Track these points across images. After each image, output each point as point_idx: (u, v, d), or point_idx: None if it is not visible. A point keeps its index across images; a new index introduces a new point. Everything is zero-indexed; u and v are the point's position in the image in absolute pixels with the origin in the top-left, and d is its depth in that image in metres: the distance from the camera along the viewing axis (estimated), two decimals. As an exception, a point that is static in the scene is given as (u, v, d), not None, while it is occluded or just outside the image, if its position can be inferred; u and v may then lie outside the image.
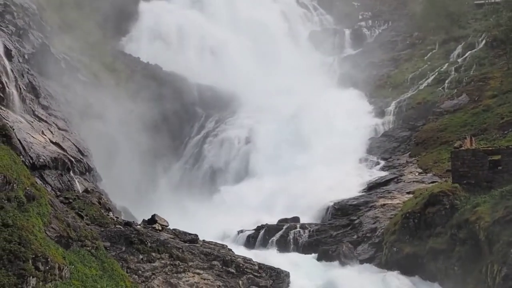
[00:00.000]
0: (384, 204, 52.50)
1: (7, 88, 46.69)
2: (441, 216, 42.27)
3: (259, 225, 54.30)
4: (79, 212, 37.86)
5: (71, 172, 47.59)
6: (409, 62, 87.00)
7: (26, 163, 40.42)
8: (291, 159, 68.19)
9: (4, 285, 24.40)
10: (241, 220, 56.63)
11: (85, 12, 78.79)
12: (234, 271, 38.81)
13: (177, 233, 41.58)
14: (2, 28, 57.27)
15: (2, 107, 45.09)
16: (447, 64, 79.93)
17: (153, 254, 36.45)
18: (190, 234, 41.86)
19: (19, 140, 42.13)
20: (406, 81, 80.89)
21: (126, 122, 67.58)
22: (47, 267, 26.47)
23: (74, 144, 51.94)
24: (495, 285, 35.07)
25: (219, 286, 37.16)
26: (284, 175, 65.10)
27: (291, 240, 51.45)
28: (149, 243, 36.85)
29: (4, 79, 46.91)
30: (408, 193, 52.96)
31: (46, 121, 51.24)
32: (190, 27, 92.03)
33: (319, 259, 47.70)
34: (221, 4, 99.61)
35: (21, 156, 39.87)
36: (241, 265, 39.44)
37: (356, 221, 51.44)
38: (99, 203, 42.29)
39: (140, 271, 35.03)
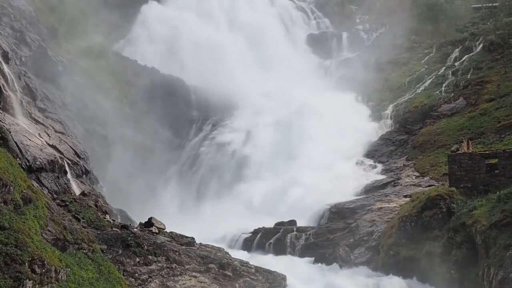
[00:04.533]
0: (381, 208, 52.48)
1: (4, 90, 46.64)
2: (438, 220, 42.34)
3: (256, 228, 54.27)
4: (76, 215, 37.82)
5: (67, 175, 47.51)
6: (407, 65, 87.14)
7: (23, 165, 40.36)
8: (288, 162, 68.19)
9: (0, 288, 24.37)
10: (237, 223, 56.61)
11: (82, 14, 78.70)
12: (230, 274, 38.77)
13: (173, 236, 41.59)
14: (-1, 30, 57.32)
15: (-1, 110, 45.08)
16: (444, 67, 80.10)
17: (150, 257, 36.44)
18: (187, 237, 41.90)
19: (15, 142, 42.08)
20: (404, 84, 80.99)
21: (123, 125, 67.60)
22: (44, 270, 26.41)
23: (71, 147, 51.88)
24: (492, 289, 35.10)
25: (216, 289, 37.15)
26: (281, 178, 65.16)
27: (288, 244, 51.40)
28: (145, 246, 36.85)
29: (1, 81, 46.87)
30: (405, 196, 52.99)
31: (43, 124, 51.18)
32: (187, 30, 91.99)
33: (315, 262, 47.73)
34: (219, 7, 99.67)
35: (18, 159, 39.85)
36: (237, 268, 39.41)
37: (353, 225, 51.43)
38: (96, 206, 42.24)
39: (136, 274, 35.01)
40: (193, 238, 41.96)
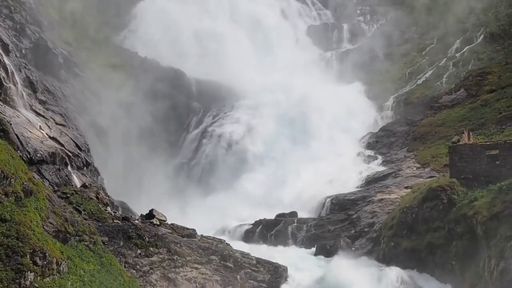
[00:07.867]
0: (382, 199, 52.48)
1: (4, 82, 46.65)
2: (439, 211, 42.28)
3: (257, 220, 54.31)
4: (77, 207, 37.88)
5: (68, 167, 47.56)
6: (407, 57, 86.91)
7: (24, 158, 40.37)
8: (288, 154, 68.25)
9: (2, 280, 24.39)
10: (239, 215, 56.72)
11: (82, 6, 78.53)
12: (232, 265, 38.84)
13: (175, 228, 41.63)
14: (-1, 22, 57.28)
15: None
16: (445, 59, 79.86)
17: (151, 248, 36.50)
18: (188, 228, 41.92)
19: (16, 135, 42.11)
20: (405, 75, 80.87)
21: (124, 117, 67.52)
22: (45, 262, 26.46)
23: (72, 139, 51.90)
24: (492, 280, 35.09)
25: (217, 280, 37.19)
26: (282, 170, 65.19)
27: (289, 235, 51.44)
28: (147, 238, 36.90)
29: (1, 73, 46.85)
30: (406, 187, 52.94)
31: (43, 116, 51.21)
32: (188, 22, 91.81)
33: (316, 253, 47.74)
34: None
35: (19, 151, 39.87)
36: (239, 259, 39.48)
37: (354, 216, 51.45)
38: (97, 198, 42.27)
39: (138, 266, 35.06)
40: (194, 230, 41.97)
